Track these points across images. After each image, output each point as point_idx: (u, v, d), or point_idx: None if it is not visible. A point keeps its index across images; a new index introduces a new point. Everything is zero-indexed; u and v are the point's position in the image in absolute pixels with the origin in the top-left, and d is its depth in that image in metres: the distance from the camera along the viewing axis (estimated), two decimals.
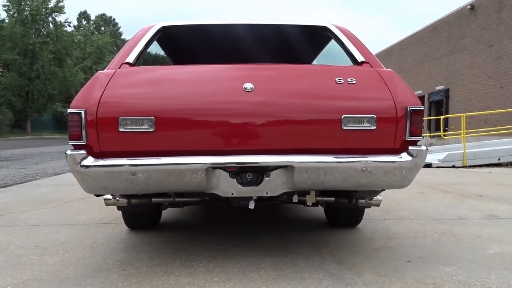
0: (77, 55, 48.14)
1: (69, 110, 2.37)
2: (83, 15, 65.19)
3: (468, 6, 18.67)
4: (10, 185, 6.70)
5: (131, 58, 2.69)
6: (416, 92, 22.00)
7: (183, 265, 2.64)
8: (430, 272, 2.52)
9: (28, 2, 39.20)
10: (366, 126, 2.42)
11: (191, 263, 2.69)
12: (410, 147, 2.44)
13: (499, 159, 10.32)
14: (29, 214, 4.30)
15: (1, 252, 2.96)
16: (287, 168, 2.40)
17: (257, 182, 2.44)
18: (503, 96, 16.37)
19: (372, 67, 2.69)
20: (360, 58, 2.77)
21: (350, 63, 2.86)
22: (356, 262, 2.70)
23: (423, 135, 2.56)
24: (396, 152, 2.45)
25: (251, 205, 2.61)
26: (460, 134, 12.04)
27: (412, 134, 2.45)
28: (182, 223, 3.91)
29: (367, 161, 2.39)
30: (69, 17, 70.44)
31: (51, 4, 40.55)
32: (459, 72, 19.52)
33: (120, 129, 2.34)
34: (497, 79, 16.75)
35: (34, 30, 39.95)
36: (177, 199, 2.84)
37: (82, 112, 2.33)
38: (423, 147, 2.47)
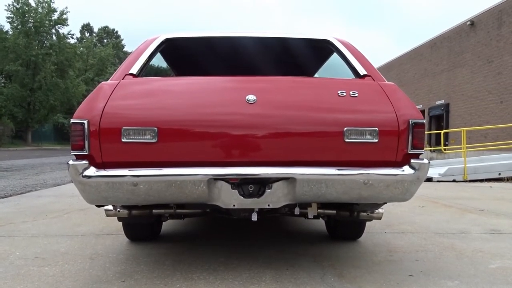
0: (80, 66, 48.45)
1: (72, 120, 2.38)
2: (86, 28, 65.72)
3: (468, 22, 18.83)
4: (10, 195, 6.69)
5: (134, 70, 2.71)
6: (416, 107, 22.03)
7: (184, 277, 2.62)
8: (432, 287, 2.50)
9: (32, 14, 39.58)
10: (368, 139, 2.42)
11: (191, 275, 2.67)
12: (412, 160, 2.45)
13: (499, 174, 10.30)
14: (28, 224, 4.28)
15: (0, 263, 2.94)
16: (289, 180, 2.39)
17: (259, 194, 2.43)
18: (503, 111, 16.42)
19: (374, 80, 2.70)
20: (362, 71, 2.79)
21: (352, 76, 2.87)
22: (357, 275, 2.69)
23: (424, 149, 2.57)
24: (398, 165, 2.45)
25: (254, 217, 2.60)
26: (460, 148, 12.04)
27: (414, 147, 2.46)
28: (182, 235, 3.89)
29: (369, 173, 2.39)
30: (72, 29, 70.87)
31: (55, 17, 40.95)
32: (459, 87, 19.60)
33: (123, 140, 2.34)
34: (497, 94, 16.81)
35: (37, 41, 40.27)
36: (178, 211, 2.83)
37: (85, 122, 2.34)
38: (425, 160, 2.47)
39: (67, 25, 42.27)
